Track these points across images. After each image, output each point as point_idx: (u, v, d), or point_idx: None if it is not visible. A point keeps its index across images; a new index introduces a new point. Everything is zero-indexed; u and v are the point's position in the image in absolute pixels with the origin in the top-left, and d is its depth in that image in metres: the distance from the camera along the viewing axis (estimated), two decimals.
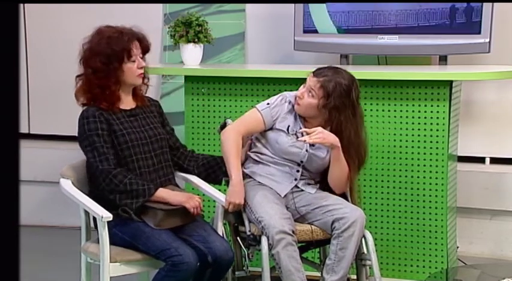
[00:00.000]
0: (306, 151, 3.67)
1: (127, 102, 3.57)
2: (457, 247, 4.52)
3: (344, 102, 3.59)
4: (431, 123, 4.16)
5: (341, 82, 3.59)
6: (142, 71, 3.53)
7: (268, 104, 3.73)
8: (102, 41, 3.46)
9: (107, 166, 3.40)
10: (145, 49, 3.55)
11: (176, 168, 3.72)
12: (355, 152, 3.65)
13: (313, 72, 3.66)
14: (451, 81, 4.14)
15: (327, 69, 3.64)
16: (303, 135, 3.58)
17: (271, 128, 3.71)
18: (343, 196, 3.73)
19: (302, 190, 3.72)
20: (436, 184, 4.18)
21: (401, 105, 4.19)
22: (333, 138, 3.58)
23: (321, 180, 3.76)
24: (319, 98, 3.60)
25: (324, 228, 3.62)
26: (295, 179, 3.72)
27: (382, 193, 4.26)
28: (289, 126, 3.69)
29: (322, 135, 3.55)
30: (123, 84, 3.52)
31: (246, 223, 3.61)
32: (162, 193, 3.45)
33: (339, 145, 3.59)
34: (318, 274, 3.67)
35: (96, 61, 3.45)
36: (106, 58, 3.45)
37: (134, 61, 3.49)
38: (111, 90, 3.48)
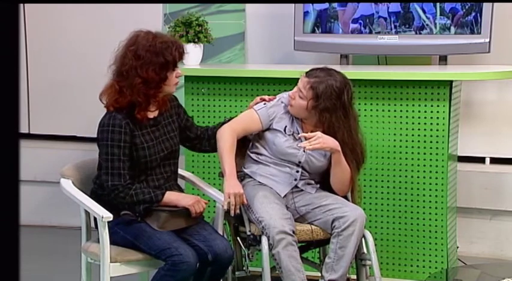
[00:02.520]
0: (304, 151, 3.66)
1: (153, 110, 3.54)
2: (457, 247, 4.52)
3: (335, 104, 3.57)
4: (431, 124, 4.16)
5: (332, 84, 3.57)
6: (178, 80, 3.51)
7: (264, 104, 3.72)
8: (151, 50, 3.39)
9: (117, 182, 3.39)
10: (180, 59, 3.51)
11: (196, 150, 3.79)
12: (351, 152, 3.64)
13: (306, 72, 3.64)
14: (451, 81, 4.15)
15: (320, 71, 3.62)
16: (302, 140, 3.57)
17: (268, 129, 3.71)
18: (344, 195, 3.73)
19: (302, 190, 3.72)
20: (436, 184, 4.18)
21: (401, 105, 4.19)
22: (333, 143, 3.57)
23: (321, 180, 3.76)
24: (308, 100, 3.59)
25: (324, 227, 3.61)
26: (295, 180, 3.72)
27: (382, 193, 4.26)
28: (286, 126, 3.69)
29: (321, 140, 3.53)
30: (162, 92, 3.49)
31: (246, 223, 3.61)
32: (171, 196, 3.45)
33: (339, 149, 3.58)
34: (318, 274, 3.67)
35: (149, 71, 3.39)
36: (160, 68, 3.40)
37: (174, 70, 3.47)
38: (156, 100, 3.46)
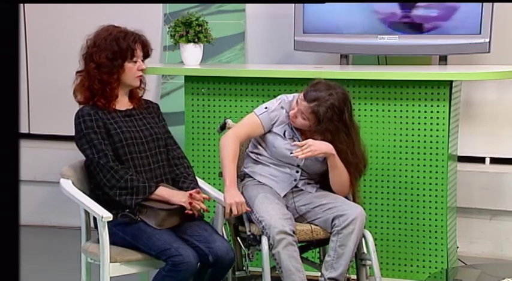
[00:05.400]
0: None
1: (123, 103, 3.58)
2: (457, 247, 4.52)
3: (337, 126, 3.56)
4: (431, 124, 4.16)
5: (333, 105, 3.54)
6: (141, 73, 3.56)
7: (266, 108, 3.72)
8: (108, 38, 3.50)
9: (107, 162, 3.41)
10: (146, 54, 3.59)
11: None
12: (355, 169, 3.64)
13: (304, 93, 3.60)
14: (451, 81, 4.14)
15: (318, 91, 3.57)
16: (299, 147, 3.56)
17: (269, 131, 3.71)
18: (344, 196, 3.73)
19: (302, 190, 3.73)
20: (436, 184, 4.18)
21: (401, 105, 4.19)
22: (325, 147, 3.56)
23: (321, 180, 3.76)
24: (311, 123, 3.58)
25: (324, 226, 3.61)
26: (295, 180, 3.72)
27: (382, 193, 4.26)
28: (285, 131, 3.69)
29: (312, 148, 3.52)
30: (122, 83, 3.54)
31: (246, 223, 3.61)
32: (163, 192, 3.45)
33: (334, 152, 3.57)
34: (318, 274, 3.67)
35: (101, 56, 3.48)
36: (112, 54, 3.48)
37: (135, 62, 3.52)
38: (111, 87, 3.51)
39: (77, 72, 3.57)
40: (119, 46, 3.49)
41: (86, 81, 3.52)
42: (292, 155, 3.58)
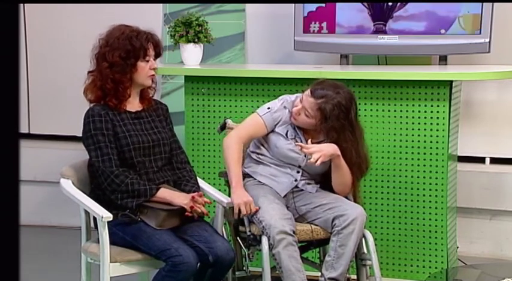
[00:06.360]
0: (305, 156, 3.66)
1: (133, 104, 3.56)
2: (457, 247, 4.52)
3: (343, 124, 3.56)
4: (431, 124, 4.16)
5: (340, 103, 3.54)
6: (153, 72, 3.55)
7: (268, 108, 3.71)
8: (121, 37, 3.48)
9: (109, 167, 3.40)
10: (158, 53, 3.57)
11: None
12: (357, 169, 3.64)
13: (311, 90, 3.60)
14: (451, 81, 4.14)
15: (326, 88, 3.58)
16: (303, 145, 3.56)
17: (272, 131, 3.71)
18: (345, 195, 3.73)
19: (302, 190, 3.73)
20: (436, 184, 4.18)
21: (401, 105, 4.19)
22: (332, 149, 3.56)
23: (322, 180, 3.76)
24: (317, 120, 3.58)
25: (324, 226, 3.61)
26: (296, 180, 3.72)
27: (382, 193, 4.26)
28: (287, 131, 3.69)
29: (322, 153, 3.52)
30: (134, 82, 3.53)
31: (247, 223, 3.61)
32: (165, 193, 3.45)
33: (339, 152, 3.58)
34: (318, 274, 3.67)
35: (115, 56, 3.47)
36: (125, 53, 3.47)
37: (148, 61, 3.51)
38: (124, 87, 3.49)
39: (89, 72, 3.55)
40: (132, 45, 3.47)
41: (98, 81, 3.50)
42: (309, 162, 3.57)
